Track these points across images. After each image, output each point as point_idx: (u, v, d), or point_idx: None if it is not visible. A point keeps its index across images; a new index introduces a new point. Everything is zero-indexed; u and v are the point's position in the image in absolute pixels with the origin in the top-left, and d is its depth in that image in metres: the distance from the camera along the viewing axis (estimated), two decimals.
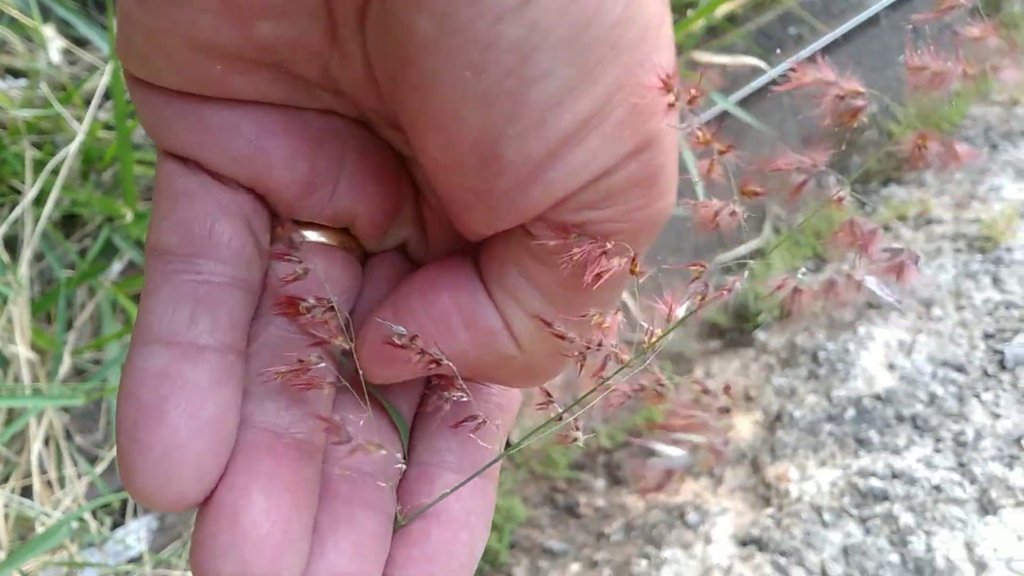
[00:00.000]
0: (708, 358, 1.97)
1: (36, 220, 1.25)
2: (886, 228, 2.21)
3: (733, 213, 0.31)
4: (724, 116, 2.40)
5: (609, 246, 0.25)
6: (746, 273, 0.32)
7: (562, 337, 0.30)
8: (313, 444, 0.28)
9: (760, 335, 1.96)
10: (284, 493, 0.25)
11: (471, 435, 0.31)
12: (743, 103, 2.35)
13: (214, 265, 0.27)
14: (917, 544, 1.24)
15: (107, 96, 1.42)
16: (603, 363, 0.32)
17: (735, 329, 2.03)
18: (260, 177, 0.27)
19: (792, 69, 0.27)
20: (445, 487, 0.30)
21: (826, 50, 2.56)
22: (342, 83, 0.26)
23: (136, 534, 1.41)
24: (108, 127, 1.42)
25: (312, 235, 0.30)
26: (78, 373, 1.28)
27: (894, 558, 1.23)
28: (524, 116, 0.22)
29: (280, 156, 0.27)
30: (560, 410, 0.34)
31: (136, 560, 1.36)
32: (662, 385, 0.37)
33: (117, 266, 1.43)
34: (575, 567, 1.55)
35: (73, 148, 1.22)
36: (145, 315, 0.26)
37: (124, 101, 1.23)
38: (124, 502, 1.38)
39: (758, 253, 2.30)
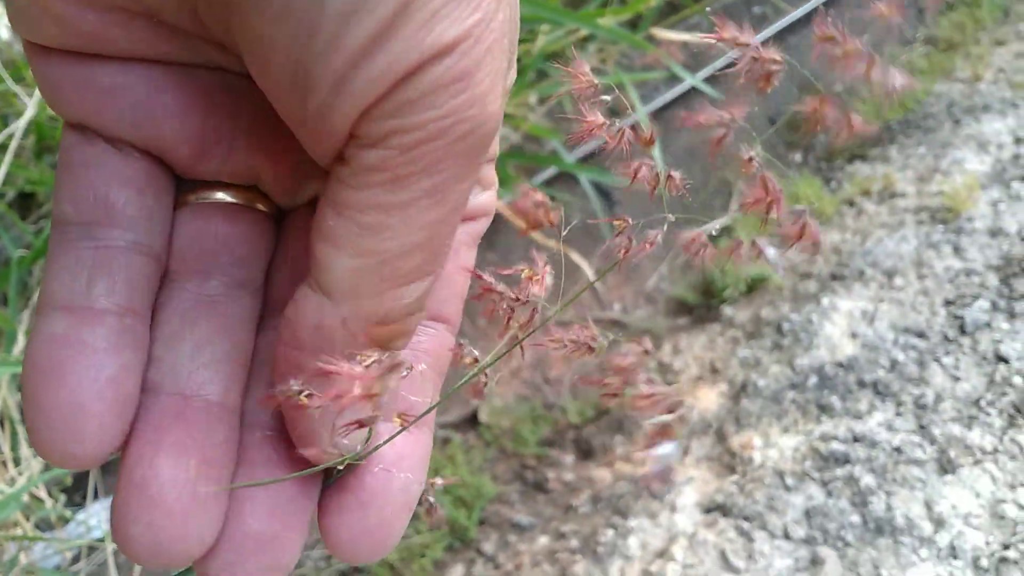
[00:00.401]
0: (676, 334, 1.98)
1: None
2: (850, 203, 2.22)
3: (671, 178, 0.31)
4: (692, 92, 2.41)
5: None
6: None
7: (490, 290, 0.30)
8: (226, 405, 0.28)
9: (727, 310, 1.96)
10: (192, 458, 0.26)
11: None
12: (710, 81, 2.36)
13: (110, 231, 0.27)
14: (877, 504, 1.25)
15: None
16: (531, 315, 0.32)
17: (702, 305, 2.04)
18: (153, 138, 0.28)
19: (716, 27, 0.27)
20: (378, 437, 0.30)
21: (789, 29, 2.58)
22: (215, 32, 0.26)
23: (97, 516, 1.39)
24: None
25: (220, 195, 0.30)
26: None
27: (855, 518, 1.24)
28: (323, 27, 0.22)
29: (171, 114, 0.28)
30: (475, 354, 0.34)
31: (99, 541, 1.34)
32: (595, 339, 0.37)
33: None
34: (543, 540, 1.55)
35: (23, 122, 1.20)
36: (46, 284, 0.27)
37: None
38: (83, 483, 1.36)
39: (726, 230, 2.31)
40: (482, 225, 0.34)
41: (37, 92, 1.26)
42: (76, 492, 1.34)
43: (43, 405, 0.25)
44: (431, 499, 0.34)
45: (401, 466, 0.30)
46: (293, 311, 0.27)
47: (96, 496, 1.38)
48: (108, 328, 0.26)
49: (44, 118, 1.35)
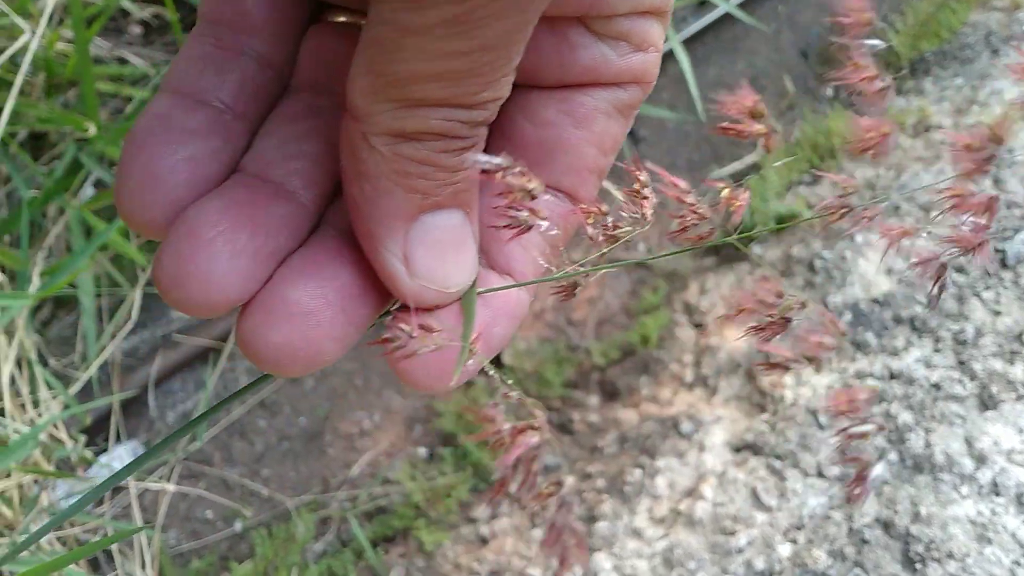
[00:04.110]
0: (702, 274, 1.93)
1: None
2: None
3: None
4: (726, 18, 2.33)
5: None
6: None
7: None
8: (297, 196, 0.29)
9: (756, 249, 1.91)
10: (242, 214, 0.27)
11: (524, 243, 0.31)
12: (742, 7, 2.27)
13: (235, 35, 0.29)
14: (916, 441, 1.21)
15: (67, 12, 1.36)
16: (610, 228, 0.32)
17: (730, 245, 1.99)
18: None
19: None
20: (484, 285, 0.31)
21: None
22: None
23: (120, 459, 1.39)
24: (71, 42, 1.35)
25: (342, 17, 0.32)
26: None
27: (892, 456, 1.20)
28: None
29: None
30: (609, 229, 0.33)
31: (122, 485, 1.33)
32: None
33: (90, 190, 1.39)
34: (569, 480, 1.53)
35: (22, 43, 1.16)
36: (169, 70, 0.29)
37: (80, 6, 1.17)
38: (104, 426, 1.35)
39: (754, 168, 2.24)
40: (630, 94, 0.31)
41: (42, 26, 1.22)
42: (97, 435, 1.33)
43: (125, 167, 0.27)
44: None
45: (492, 308, 0.31)
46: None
47: (119, 439, 1.37)
48: (204, 116, 0.28)
49: (52, 54, 1.31)
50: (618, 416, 1.64)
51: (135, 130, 0.28)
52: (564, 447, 1.64)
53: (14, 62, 1.25)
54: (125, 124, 1.29)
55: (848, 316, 1.51)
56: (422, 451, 1.68)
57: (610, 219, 0.33)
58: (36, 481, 1.13)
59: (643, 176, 0.34)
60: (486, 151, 0.30)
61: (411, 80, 0.24)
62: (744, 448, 1.35)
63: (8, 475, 1.10)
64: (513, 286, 0.31)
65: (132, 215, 0.27)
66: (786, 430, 1.31)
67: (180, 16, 1.36)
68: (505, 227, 0.28)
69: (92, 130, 1.25)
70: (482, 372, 0.31)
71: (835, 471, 1.22)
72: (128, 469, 0.38)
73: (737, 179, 0.33)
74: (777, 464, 1.27)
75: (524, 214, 0.28)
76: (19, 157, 1.33)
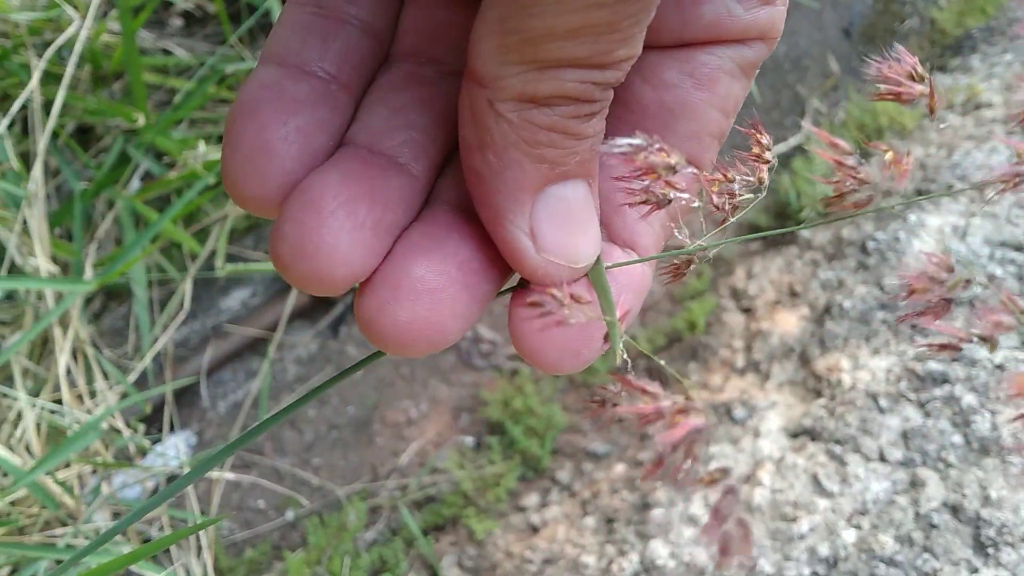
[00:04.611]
0: (749, 258, 1.91)
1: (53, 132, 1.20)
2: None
3: None
4: None
5: None
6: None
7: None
8: (408, 168, 0.28)
9: (804, 232, 1.88)
10: (360, 186, 0.26)
11: (649, 218, 0.30)
12: None
13: (336, 3, 0.29)
14: (982, 424, 1.18)
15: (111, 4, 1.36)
16: (735, 197, 0.30)
17: (776, 228, 1.95)
18: None
19: None
20: (608, 260, 0.30)
21: None
22: None
23: (175, 447, 1.39)
24: (116, 34, 1.36)
25: None
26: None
27: (957, 439, 1.17)
28: None
29: None
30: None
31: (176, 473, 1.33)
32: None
33: (136, 182, 1.39)
34: (620, 467, 1.51)
35: (73, 31, 1.16)
36: (269, 39, 0.29)
37: None
38: (160, 416, 1.35)
39: (799, 150, 2.20)
40: (755, 51, 0.30)
41: (90, 16, 1.22)
42: (153, 424, 1.33)
43: (233, 139, 0.26)
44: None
45: (619, 282, 0.30)
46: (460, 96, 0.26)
47: (172, 428, 1.37)
48: (311, 86, 0.27)
49: (99, 46, 1.31)
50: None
51: (242, 100, 0.27)
52: (612, 435, 1.62)
53: (60, 55, 1.26)
54: (172, 115, 1.29)
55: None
56: (469, 440, 1.67)
57: (737, 186, 0.31)
58: (94, 471, 1.13)
59: (765, 139, 0.32)
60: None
61: (547, 37, 0.22)
62: (801, 434, 1.32)
63: (67, 465, 1.10)
64: (641, 260, 0.30)
65: (242, 187, 0.26)
66: (845, 415, 1.28)
67: (223, 6, 1.35)
68: (642, 203, 0.27)
69: (141, 121, 1.25)
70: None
71: (898, 455, 1.19)
72: (208, 463, 0.38)
73: (782, 161, 0.31)
74: (837, 449, 1.24)
75: (661, 187, 0.27)
76: (67, 149, 1.33)
